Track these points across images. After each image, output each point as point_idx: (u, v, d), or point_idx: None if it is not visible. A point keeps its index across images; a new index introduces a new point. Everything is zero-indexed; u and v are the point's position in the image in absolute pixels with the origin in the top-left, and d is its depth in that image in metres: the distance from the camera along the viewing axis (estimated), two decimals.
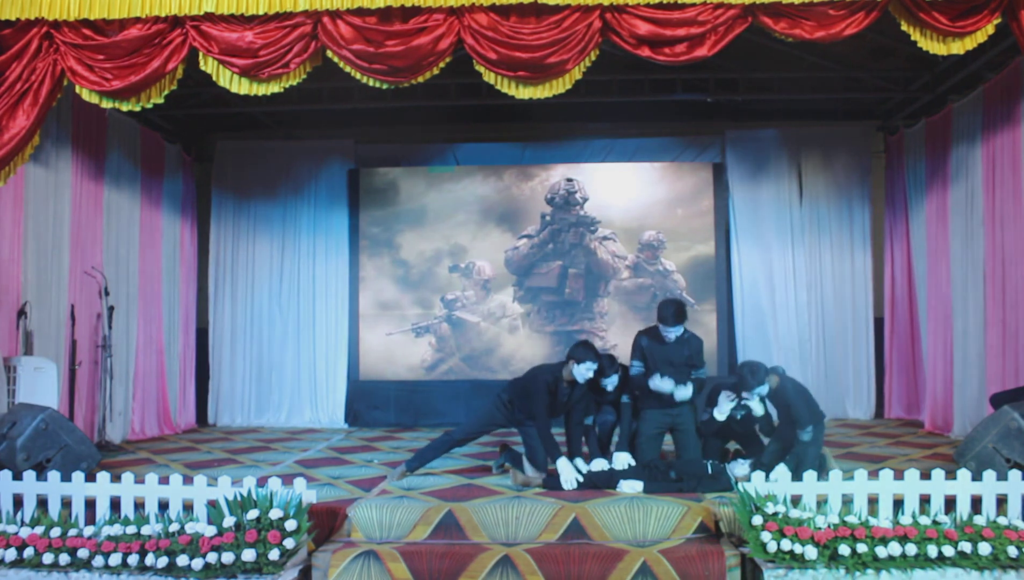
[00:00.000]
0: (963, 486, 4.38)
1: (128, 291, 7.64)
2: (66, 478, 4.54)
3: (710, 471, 5.02)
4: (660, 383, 5.28)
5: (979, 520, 4.17)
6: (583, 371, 5.11)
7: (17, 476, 4.65)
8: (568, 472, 5.00)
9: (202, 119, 8.84)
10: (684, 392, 5.31)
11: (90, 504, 4.49)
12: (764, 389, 5.06)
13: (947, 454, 5.96)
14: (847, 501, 4.35)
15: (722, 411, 5.24)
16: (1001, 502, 4.40)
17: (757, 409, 5.17)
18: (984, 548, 4.01)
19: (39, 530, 4.26)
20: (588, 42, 5.02)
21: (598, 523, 4.50)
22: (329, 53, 5.13)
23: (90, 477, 4.57)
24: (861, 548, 3.97)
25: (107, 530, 4.22)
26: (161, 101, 5.27)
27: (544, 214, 8.98)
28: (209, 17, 5.03)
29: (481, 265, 9.01)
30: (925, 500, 4.38)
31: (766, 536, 4.03)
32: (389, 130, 9.06)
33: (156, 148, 8.22)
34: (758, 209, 8.84)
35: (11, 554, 4.18)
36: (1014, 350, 6.21)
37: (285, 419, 8.77)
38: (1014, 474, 4.40)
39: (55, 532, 4.23)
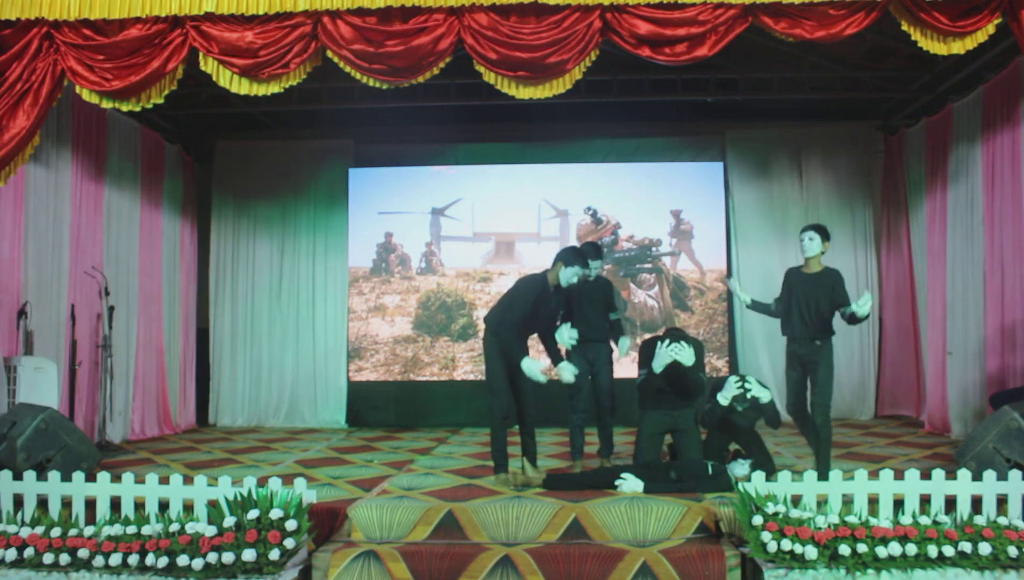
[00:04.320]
0: (963, 486, 4.38)
1: (128, 291, 7.64)
2: (66, 478, 4.54)
3: (710, 471, 5.02)
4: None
5: (979, 520, 4.16)
6: (569, 275, 5.15)
7: (17, 476, 4.65)
8: (533, 367, 4.98)
9: (202, 119, 8.83)
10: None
11: (90, 504, 4.49)
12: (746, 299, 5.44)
13: (947, 454, 5.96)
14: (847, 501, 4.35)
15: (726, 395, 5.23)
16: (1001, 502, 4.40)
17: (763, 395, 5.17)
18: (984, 548, 4.00)
19: (39, 530, 4.25)
20: (588, 42, 5.01)
21: (598, 523, 4.51)
22: (329, 53, 5.12)
23: (90, 477, 4.57)
24: (861, 548, 3.97)
25: (107, 530, 4.21)
26: (161, 101, 5.26)
27: (543, 214, 8.97)
28: (209, 17, 5.02)
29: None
30: (925, 500, 4.38)
31: (766, 536, 4.03)
32: (389, 130, 9.04)
33: (156, 148, 8.22)
34: (758, 209, 8.84)
35: (11, 554, 4.18)
36: (1013, 350, 6.21)
37: (285, 419, 8.77)
38: (1014, 474, 4.40)
39: (55, 532, 4.22)
